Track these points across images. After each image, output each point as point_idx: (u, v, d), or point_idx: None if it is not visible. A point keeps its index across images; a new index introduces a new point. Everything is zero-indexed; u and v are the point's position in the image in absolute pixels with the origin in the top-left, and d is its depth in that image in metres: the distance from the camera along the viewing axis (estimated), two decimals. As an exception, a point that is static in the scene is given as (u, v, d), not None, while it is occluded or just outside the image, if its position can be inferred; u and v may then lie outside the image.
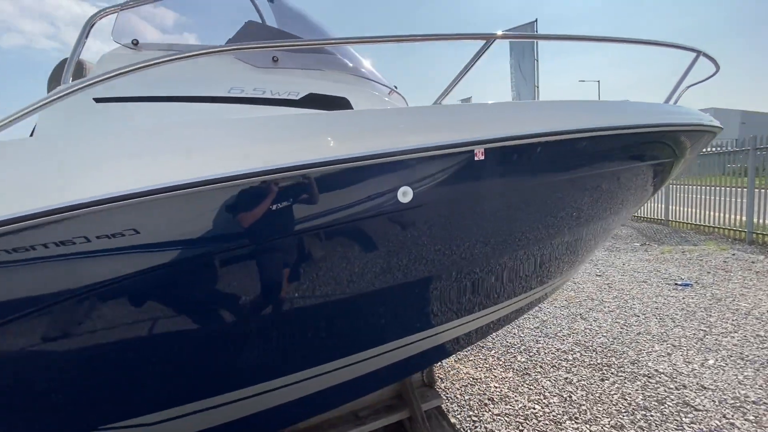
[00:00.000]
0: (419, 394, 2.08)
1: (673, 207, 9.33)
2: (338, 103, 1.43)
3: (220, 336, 1.32)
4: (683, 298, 4.56)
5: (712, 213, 8.35)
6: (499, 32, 1.34)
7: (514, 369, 3.15)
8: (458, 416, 2.60)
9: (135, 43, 1.51)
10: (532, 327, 3.95)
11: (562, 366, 3.17)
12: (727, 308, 4.21)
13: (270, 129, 1.16)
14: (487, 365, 3.22)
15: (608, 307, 4.44)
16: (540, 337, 3.72)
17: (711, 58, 1.97)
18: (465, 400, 2.75)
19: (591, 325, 3.96)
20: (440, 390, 2.89)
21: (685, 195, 9.12)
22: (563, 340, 3.64)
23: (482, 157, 1.29)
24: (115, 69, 1.07)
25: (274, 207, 1.14)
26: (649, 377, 2.95)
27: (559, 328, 3.89)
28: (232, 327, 1.31)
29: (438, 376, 3.08)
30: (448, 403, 2.72)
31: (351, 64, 1.75)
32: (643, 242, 7.95)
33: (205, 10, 1.69)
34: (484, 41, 1.35)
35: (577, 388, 2.85)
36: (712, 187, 8.39)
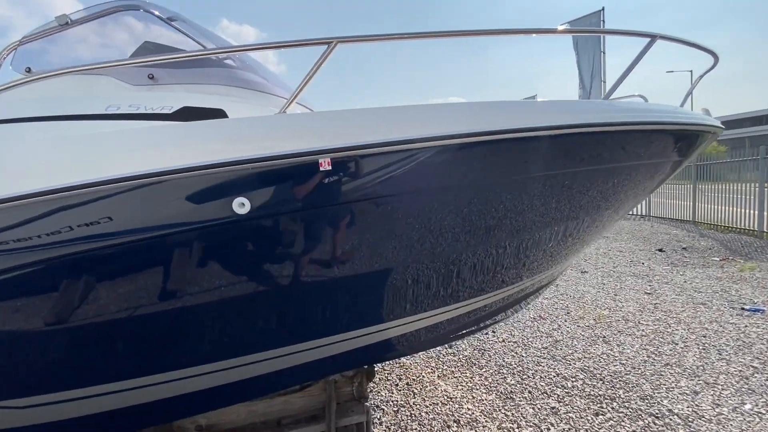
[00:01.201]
0: (345, 408, 2.01)
1: (772, 215, 7.77)
2: (213, 115, 1.46)
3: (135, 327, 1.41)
4: (745, 327, 3.78)
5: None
6: (343, 36, 1.26)
7: (498, 391, 2.89)
8: (415, 436, 2.46)
9: (28, 70, 1.72)
10: (540, 347, 3.58)
11: (555, 393, 2.82)
12: (803, 342, 3.40)
13: (107, 142, 1.23)
14: (471, 384, 3.00)
15: (643, 330, 3.85)
16: (544, 358, 3.36)
17: (674, 39, 1.63)
18: (428, 420, 2.59)
19: (612, 349, 3.47)
20: (408, 406, 2.76)
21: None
22: (570, 364, 3.24)
23: (329, 167, 1.23)
24: None
25: (111, 218, 1.21)
26: (657, 417, 2.50)
27: (571, 351, 3.48)
28: (146, 319, 1.40)
29: (412, 391, 2.96)
30: (409, 421, 2.59)
31: (241, 76, 1.78)
32: (725, 256, 6.75)
33: (111, 36, 1.85)
34: (326, 45, 1.28)
35: (561, 421, 2.52)
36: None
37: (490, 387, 2.95)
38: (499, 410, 2.66)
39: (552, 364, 3.25)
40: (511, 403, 2.74)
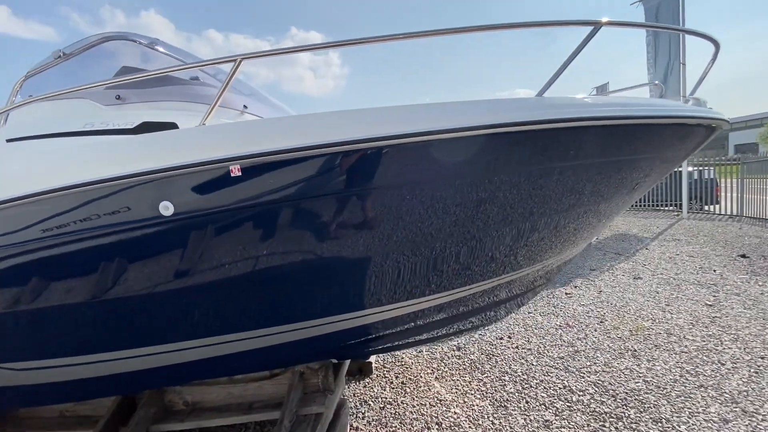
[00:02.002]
0: (310, 398, 2.10)
1: None
2: (167, 128, 1.63)
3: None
4: (822, 350, 3.15)
5: None
6: (246, 53, 1.35)
7: (493, 398, 2.77)
8: (378, 429, 2.47)
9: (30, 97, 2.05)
10: (556, 356, 3.34)
11: (554, 406, 2.63)
12: None
13: (66, 155, 1.48)
14: (467, 388, 2.91)
15: (686, 346, 3.40)
16: (556, 369, 3.13)
17: (623, 23, 1.45)
18: (411, 419, 2.58)
19: (639, 365, 3.12)
20: (396, 404, 2.78)
21: None
22: (583, 377, 2.99)
23: (239, 173, 1.33)
24: None
25: (82, 219, 1.45)
26: (666, 444, 2.22)
27: (590, 363, 3.20)
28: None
29: (405, 389, 2.96)
30: (391, 419, 2.61)
31: (197, 92, 1.95)
32: (830, 266, 5.63)
33: (99, 63, 2.12)
34: (233, 62, 1.37)
35: (550, 435, 2.35)
36: None
37: (486, 393, 2.85)
38: (488, 417, 2.56)
39: (562, 376, 3.02)
40: (503, 412, 2.61)
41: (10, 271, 1.58)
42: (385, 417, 2.63)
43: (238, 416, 2.12)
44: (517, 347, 3.55)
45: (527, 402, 2.71)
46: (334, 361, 2.24)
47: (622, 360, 3.23)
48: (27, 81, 2.16)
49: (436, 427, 2.50)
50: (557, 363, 3.23)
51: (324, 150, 1.28)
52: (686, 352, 3.29)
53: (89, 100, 1.82)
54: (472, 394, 2.84)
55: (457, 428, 2.48)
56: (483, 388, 2.91)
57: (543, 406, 2.65)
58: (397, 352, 3.51)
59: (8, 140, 1.78)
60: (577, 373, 3.06)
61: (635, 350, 3.38)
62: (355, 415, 2.65)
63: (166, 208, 1.37)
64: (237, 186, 1.35)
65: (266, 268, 1.51)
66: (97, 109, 1.80)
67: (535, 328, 3.95)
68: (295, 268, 1.52)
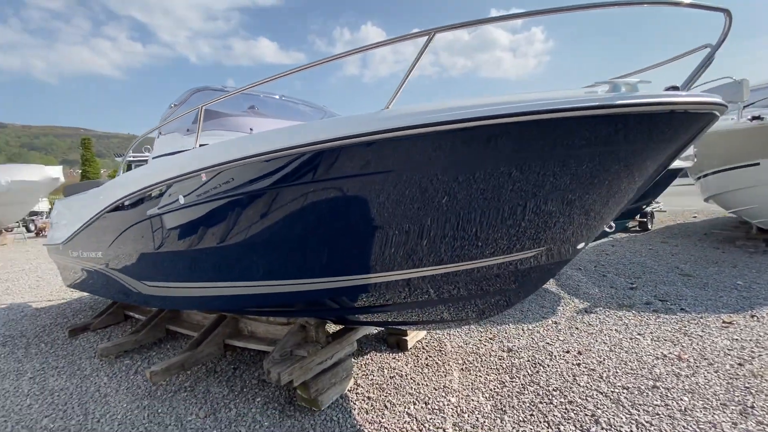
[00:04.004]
0: (304, 345, 2.65)
1: None
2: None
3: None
4: None
5: None
6: (208, 102, 2.00)
7: (498, 401, 2.64)
8: (375, 391, 2.75)
9: (161, 133, 3.25)
10: (619, 385, 2.76)
11: (558, 428, 2.31)
12: None
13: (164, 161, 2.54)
14: (480, 385, 2.84)
15: None
16: (603, 396, 2.62)
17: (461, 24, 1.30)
18: (406, 392, 2.78)
19: (735, 422, 2.27)
20: (404, 377, 3.01)
21: None
22: (632, 414, 2.42)
23: (206, 179, 2.05)
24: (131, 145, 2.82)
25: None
26: None
27: (660, 403, 2.52)
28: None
29: (423, 370, 3.12)
30: (391, 387, 2.87)
31: (225, 122, 2.74)
32: None
33: (190, 106, 3.20)
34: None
35: (523, 449, 2.15)
36: None
37: (496, 394, 2.72)
38: (476, 413, 2.51)
39: (604, 405, 2.52)
40: (497, 414, 2.49)
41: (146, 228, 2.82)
42: (387, 384, 2.92)
43: (266, 346, 2.92)
44: (577, 364, 3.08)
45: (532, 415, 2.47)
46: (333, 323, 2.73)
47: (717, 412, 2.39)
48: (163, 126, 3.58)
49: (423, 405, 2.64)
50: (613, 392, 2.68)
51: (234, 164, 1.88)
52: None
53: (178, 133, 2.99)
54: (480, 392, 2.77)
55: (437, 412, 2.55)
56: (497, 389, 2.78)
57: (545, 424, 2.37)
58: (442, 338, 3.63)
59: (153, 158, 3.11)
60: (628, 408, 2.49)
61: (752, 406, 2.42)
62: (366, 376, 3.05)
63: (181, 197, 2.26)
64: (209, 187, 2.08)
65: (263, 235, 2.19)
66: (180, 138, 2.95)
67: (625, 351, 3.25)
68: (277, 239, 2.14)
